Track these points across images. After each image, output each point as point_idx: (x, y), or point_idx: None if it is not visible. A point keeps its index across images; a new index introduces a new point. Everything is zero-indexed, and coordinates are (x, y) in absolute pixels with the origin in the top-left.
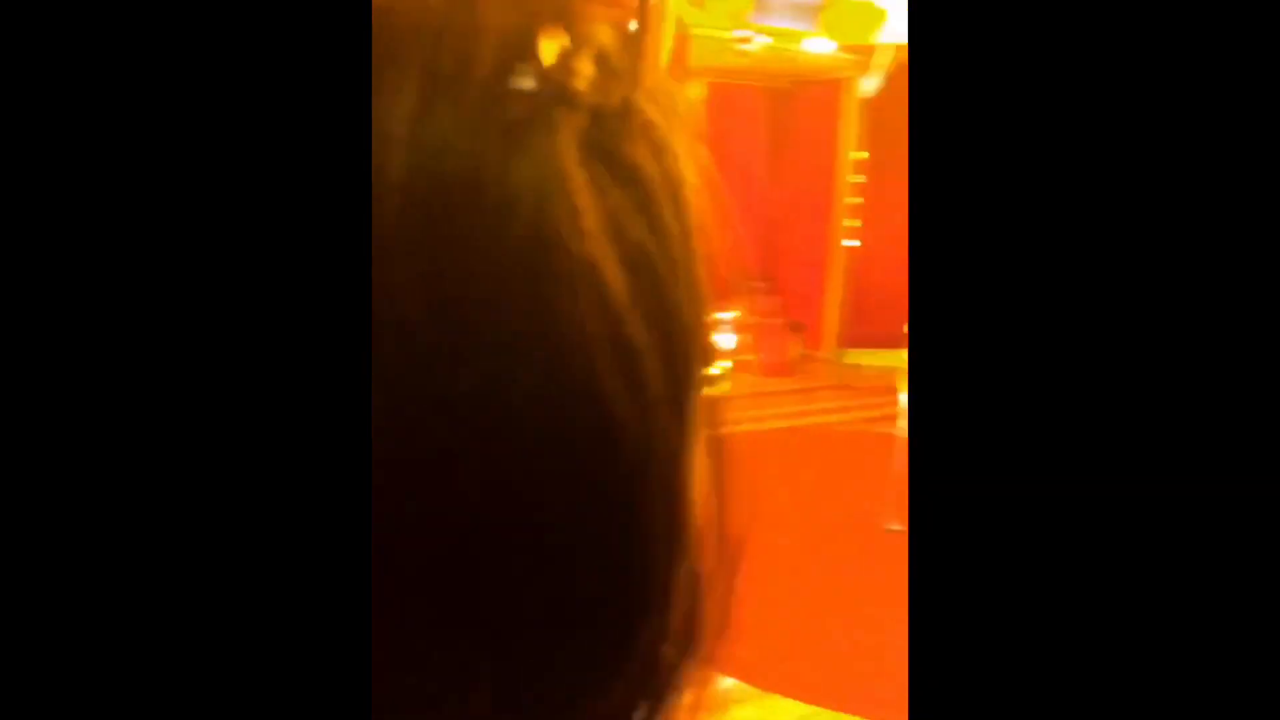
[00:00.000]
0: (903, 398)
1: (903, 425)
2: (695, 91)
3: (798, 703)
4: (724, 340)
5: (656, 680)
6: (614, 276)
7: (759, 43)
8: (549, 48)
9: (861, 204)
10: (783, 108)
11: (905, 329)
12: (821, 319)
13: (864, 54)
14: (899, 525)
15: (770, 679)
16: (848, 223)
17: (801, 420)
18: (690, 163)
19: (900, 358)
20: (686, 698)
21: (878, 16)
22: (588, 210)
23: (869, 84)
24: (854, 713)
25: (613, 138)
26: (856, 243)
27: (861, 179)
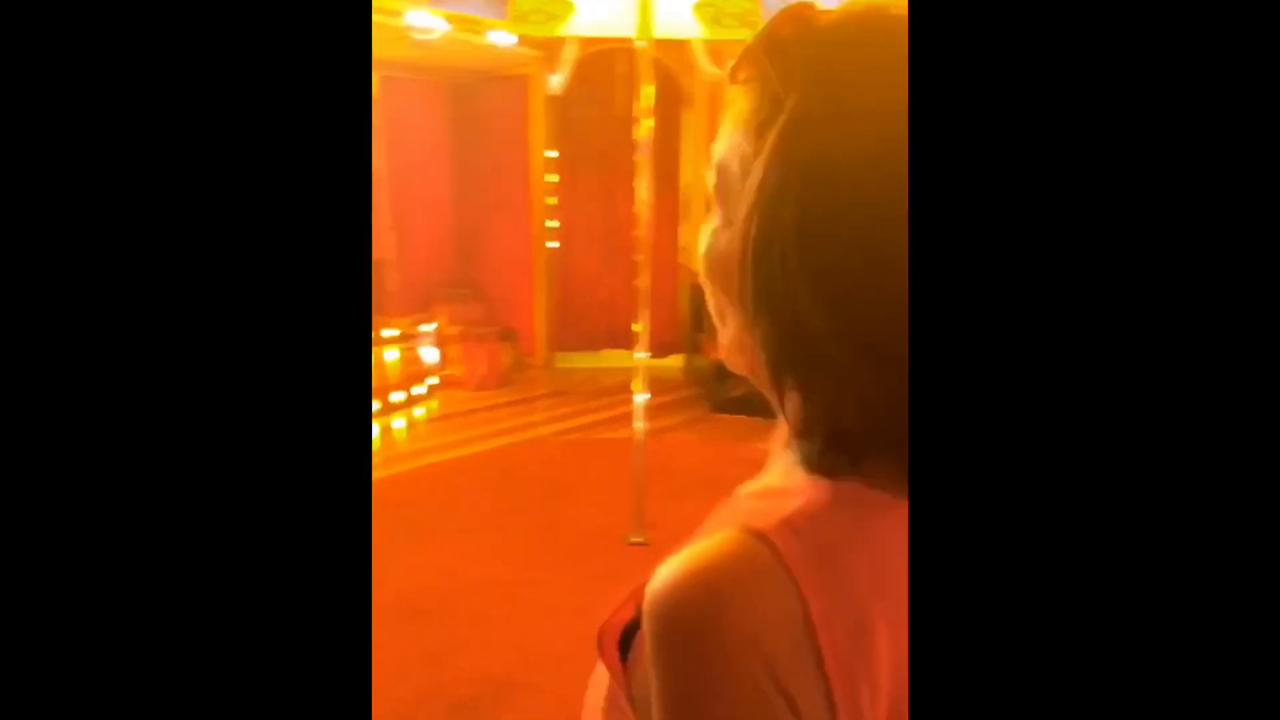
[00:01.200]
0: (638, 399)
1: (640, 427)
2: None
3: None
4: (426, 354)
5: None
6: None
7: (438, 32)
8: None
9: (558, 204)
10: (466, 103)
11: (631, 328)
12: (531, 324)
13: (549, 48)
14: (640, 538)
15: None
16: (548, 224)
17: (522, 435)
18: None
19: (612, 358)
20: None
21: (565, 9)
22: None
23: (555, 80)
24: None
25: None
26: (556, 244)
27: (555, 178)
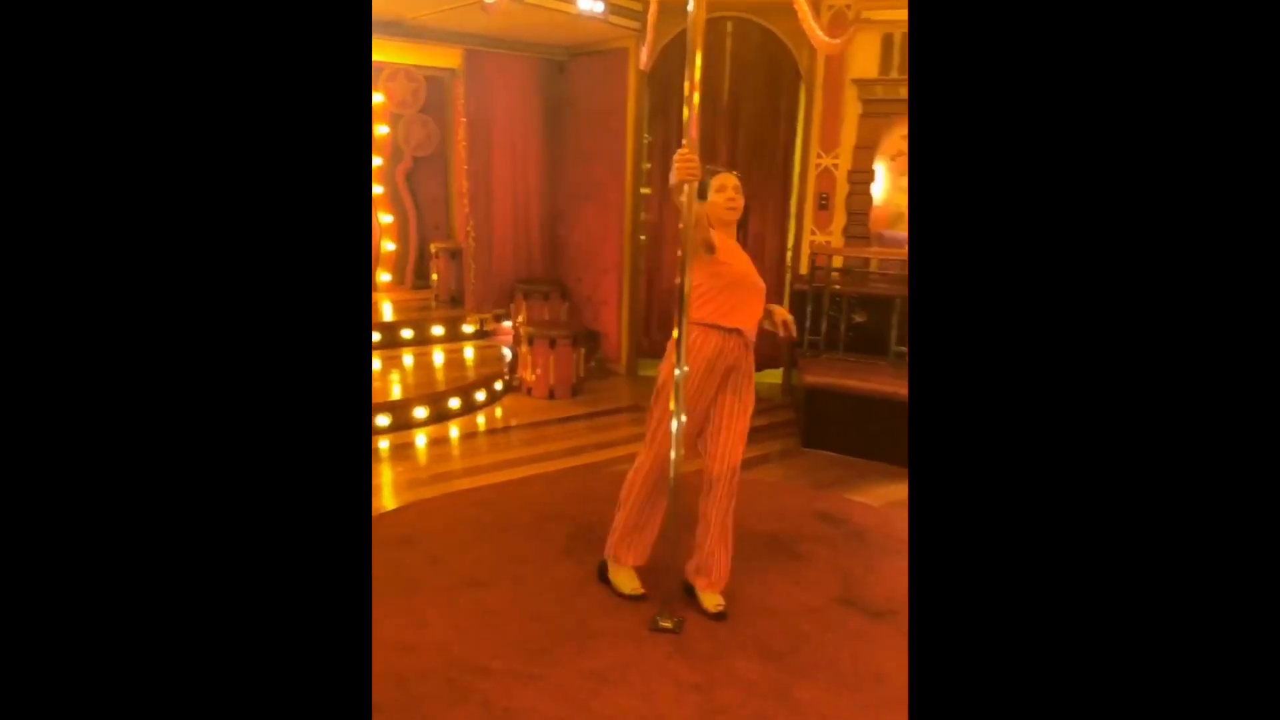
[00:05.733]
0: (674, 425)
1: (675, 468)
2: None
3: None
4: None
5: None
6: None
7: None
8: None
9: (651, 193)
10: (558, 80)
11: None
12: (618, 327)
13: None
14: (669, 622)
15: None
16: (640, 216)
17: (560, 461)
18: None
19: None
20: None
21: None
22: None
23: (643, 54)
24: None
25: None
26: (646, 238)
27: (649, 165)
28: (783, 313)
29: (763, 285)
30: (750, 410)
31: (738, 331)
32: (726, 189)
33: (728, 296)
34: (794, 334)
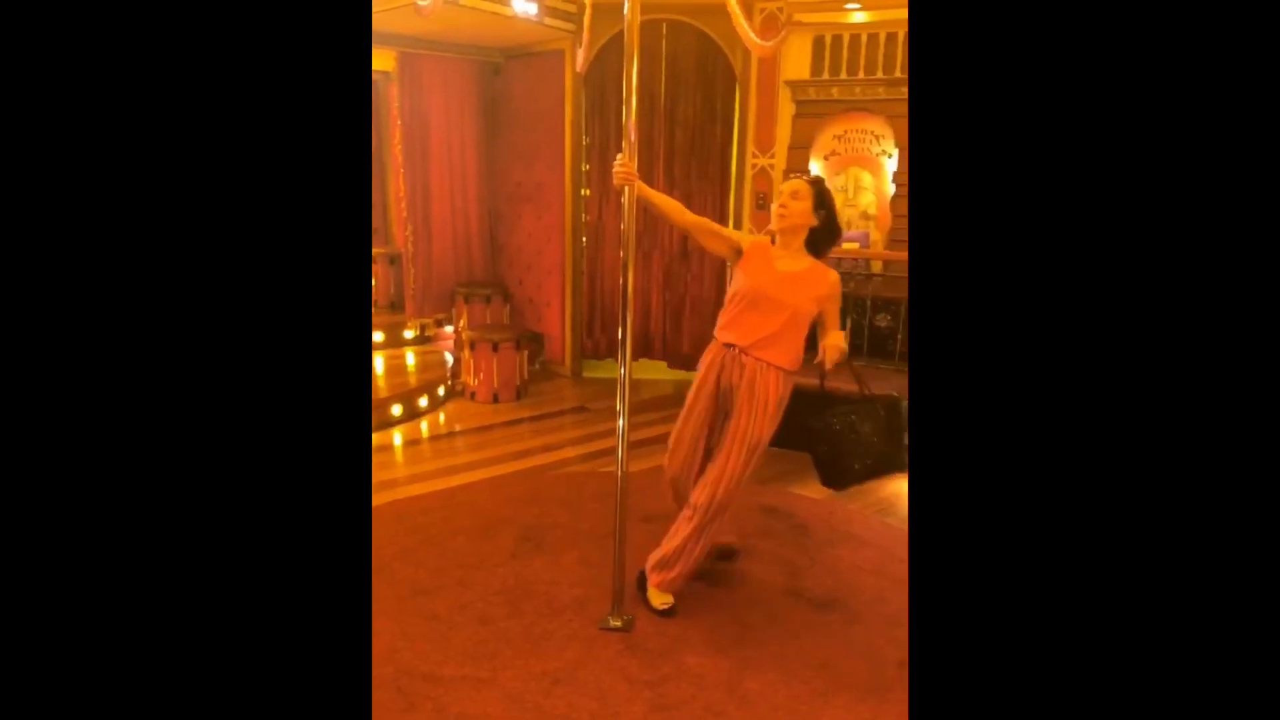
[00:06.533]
0: (621, 424)
1: (622, 467)
2: None
3: None
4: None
5: None
6: None
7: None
8: None
9: (591, 195)
10: (495, 83)
11: (667, 337)
12: (561, 329)
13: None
14: (618, 621)
15: None
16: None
17: (509, 464)
18: None
19: (647, 368)
20: None
21: None
22: None
23: (579, 55)
24: None
25: None
26: (587, 240)
27: (588, 167)
28: (831, 341)
29: (794, 305)
30: (751, 445)
31: (732, 346)
32: (782, 195)
33: (740, 310)
34: (830, 364)
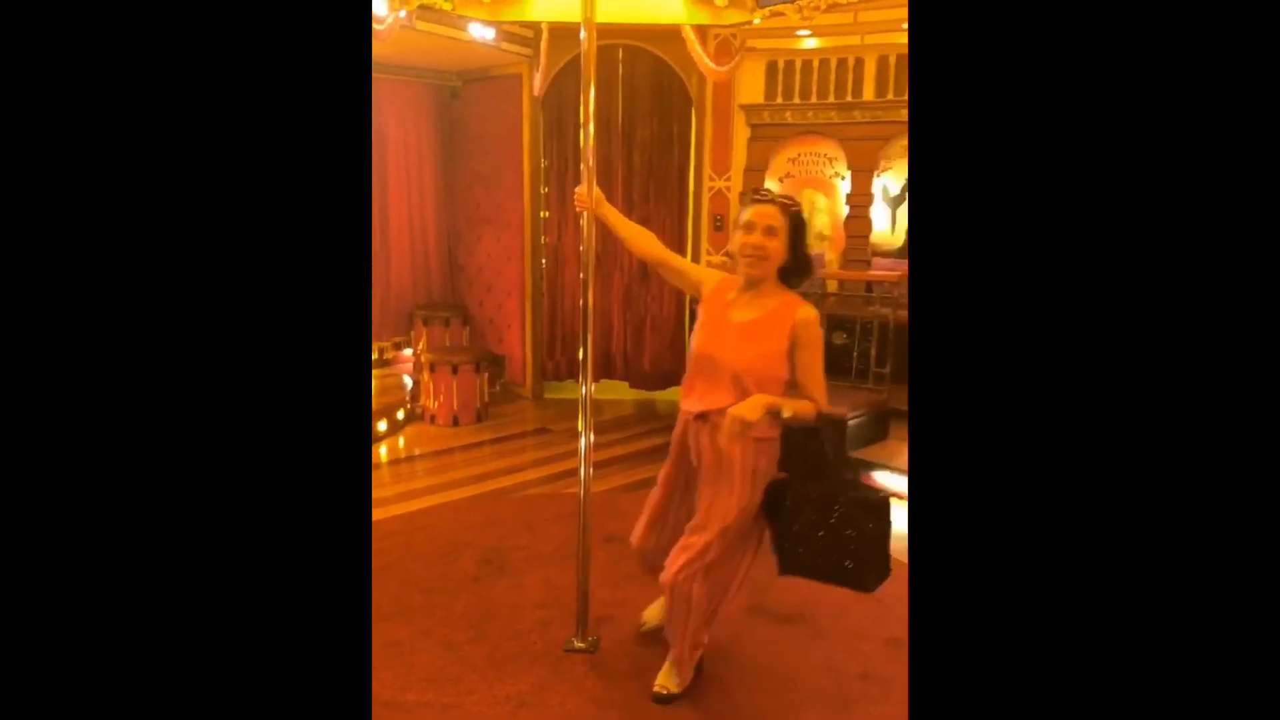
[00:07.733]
0: (582, 443)
1: (584, 488)
2: None
3: None
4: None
5: None
6: None
7: (388, 20)
8: None
9: (550, 217)
10: (452, 106)
11: (628, 357)
12: (522, 351)
13: (540, 46)
14: (583, 643)
15: None
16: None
17: (474, 487)
18: None
19: (609, 389)
20: None
21: None
22: None
23: (537, 79)
24: None
25: None
26: (547, 262)
27: (548, 189)
28: (735, 410)
29: (744, 367)
30: (722, 522)
31: (700, 416)
32: (754, 230)
33: (693, 374)
34: (726, 437)
